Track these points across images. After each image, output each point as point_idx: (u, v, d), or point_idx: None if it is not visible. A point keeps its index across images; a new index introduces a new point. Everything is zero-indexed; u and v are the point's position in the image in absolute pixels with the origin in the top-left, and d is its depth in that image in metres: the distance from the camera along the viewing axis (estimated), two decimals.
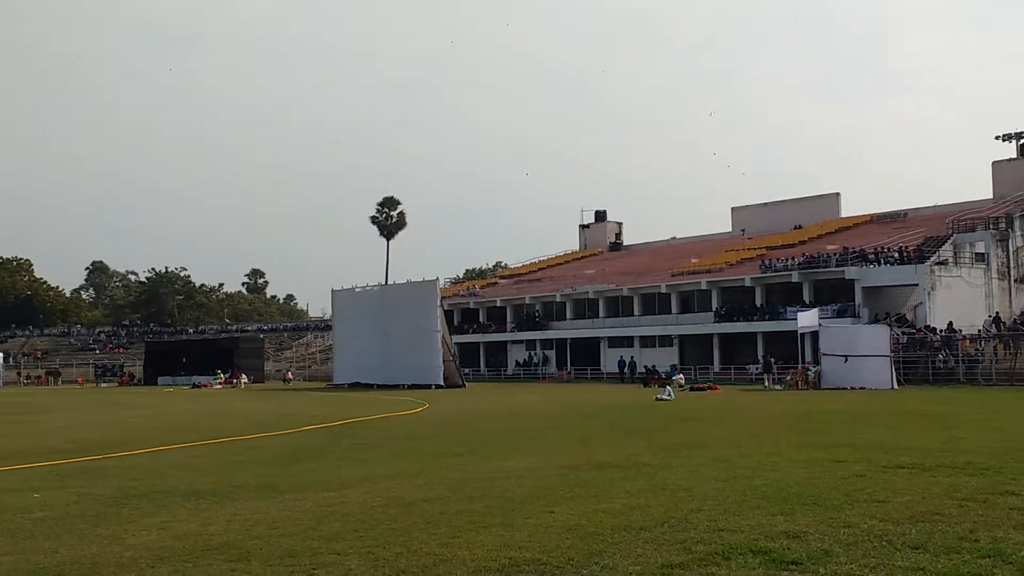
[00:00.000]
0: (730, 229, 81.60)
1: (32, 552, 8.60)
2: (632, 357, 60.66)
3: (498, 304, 75.47)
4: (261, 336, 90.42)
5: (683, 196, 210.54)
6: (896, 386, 38.89)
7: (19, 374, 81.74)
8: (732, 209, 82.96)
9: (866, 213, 73.88)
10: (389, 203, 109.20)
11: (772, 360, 49.30)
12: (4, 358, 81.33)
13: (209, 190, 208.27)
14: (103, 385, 73.63)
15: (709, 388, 43.59)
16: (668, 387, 37.47)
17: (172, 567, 7.79)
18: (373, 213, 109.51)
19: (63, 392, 60.55)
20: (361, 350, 58.64)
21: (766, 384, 45.25)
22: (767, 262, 61.16)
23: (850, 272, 53.03)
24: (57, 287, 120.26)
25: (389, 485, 12.60)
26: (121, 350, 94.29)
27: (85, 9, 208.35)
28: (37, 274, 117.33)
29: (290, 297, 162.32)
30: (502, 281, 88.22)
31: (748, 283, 59.24)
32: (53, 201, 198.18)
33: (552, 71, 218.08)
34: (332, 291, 64.64)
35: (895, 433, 18.45)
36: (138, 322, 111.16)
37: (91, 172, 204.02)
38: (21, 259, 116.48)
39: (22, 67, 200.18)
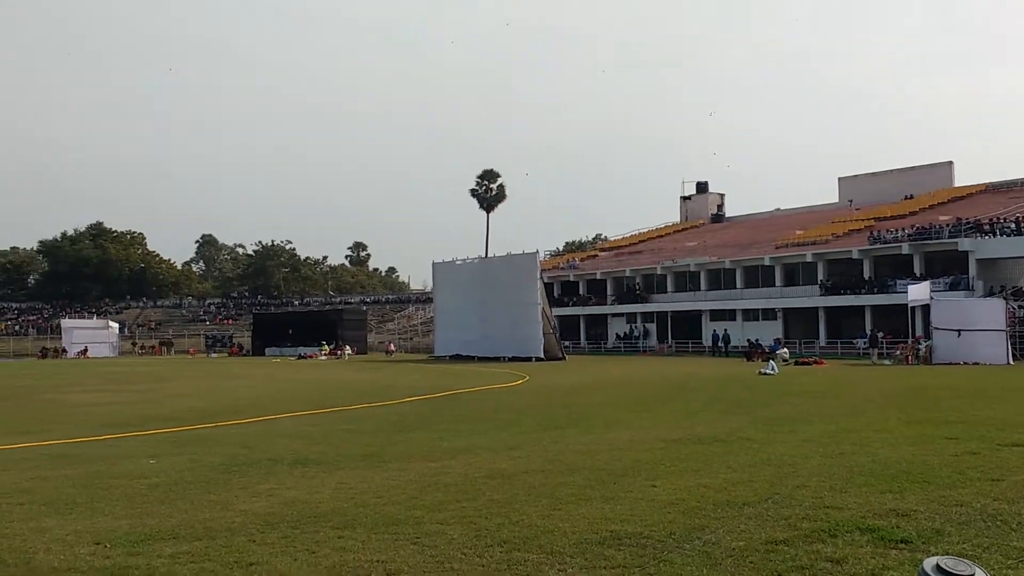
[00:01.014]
0: (837, 200, 79.62)
1: (147, 516, 8.91)
2: (726, 330, 60.04)
3: (598, 277, 75.20)
4: (364, 308, 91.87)
5: (788, 166, 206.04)
6: (1012, 362, 37.56)
7: (134, 344, 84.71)
8: (839, 179, 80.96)
9: (981, 182, 71.12)
10: (489, 176, 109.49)
11: (880, 334, 48.02)
12: (119, 329, 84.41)
13: (313, 165, 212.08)
14: (213, 355, 75.83)
15: (814, 362, 42.75)
16: (772, 361, 36.83)
17: (280, 533, 7.98)
18: (473, 186, 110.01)
19: (175, 362, 62.54)
20: (461, 322, 59.12)
21: (873, 359, 44.16)
22: (876, 233, 59.48)
23: (964, 243, 51.26)
24: (169, 260, 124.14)
25: (490, 457, 12.68)
26: (230, 321, 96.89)
27: None
28: (150, 247, 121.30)
29: (392, 270, 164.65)
30: (602, 254, 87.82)
31: (856, 255, 57.76)
32: (165, 177, 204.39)
33: (651, 36, 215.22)
34: (433, 263, 65.25)
35: (1011, 410, 17.78)
36: (246, 294, 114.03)
37: (201, 149, 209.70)
38: (135, 233, 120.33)
39: (142, 42, 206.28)
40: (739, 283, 64.40)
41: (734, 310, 62.89)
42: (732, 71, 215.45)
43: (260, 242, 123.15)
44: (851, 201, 76.39)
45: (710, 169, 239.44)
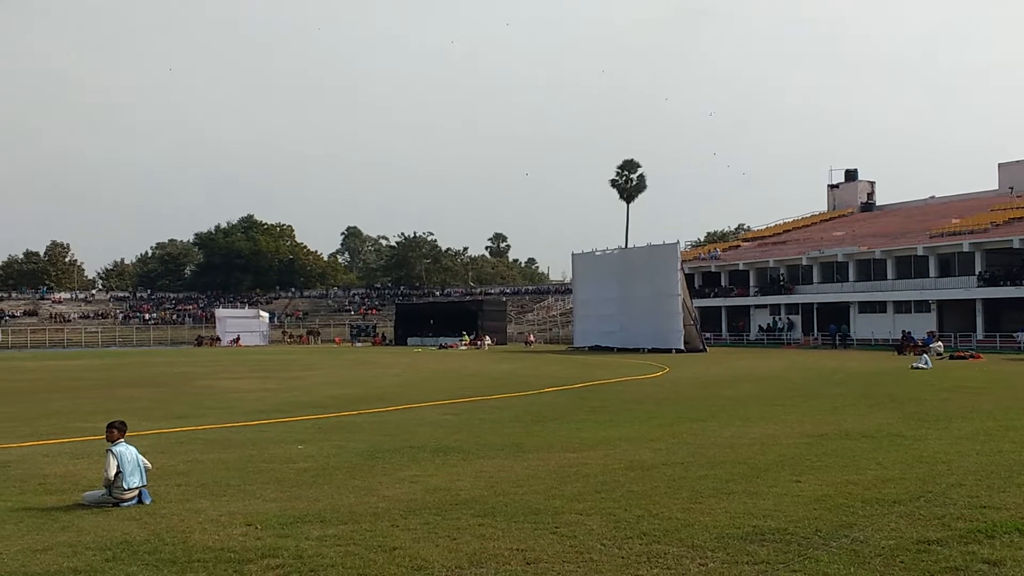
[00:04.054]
0: (996, 187, 75.99)
1: (296, 500, 9.23)
2: (843, 325, 58.53)
3: (741, 268, 73.83)
4: (504, 299, 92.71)
5: (942, 153, 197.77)
6: None
7: (283, 333, 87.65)
8: (999, 165, 77.21)
9: None
10: (629, 166, 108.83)
11: None
12: (269, 318, 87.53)
13: (452, 157, 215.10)
14: (358, 344, 77.76)
15: (971, 357, 40.92)
16: (925, 355, 35.46)
17: (422, 519, 8.14)
18: (613, 176, 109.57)
19: (322, 351, 64.45)
20: (601, 313, 58.99)
21: None
22: None
23: None
24: (316, 251, 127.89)
25: (630, 448, 12.63)
26: (374, 311, 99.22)
27: None
28: (298, 239, 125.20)
29: (531, 260, 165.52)
30: (745, 244, 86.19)
31: (1017, 244, 54.94)
32: (312, 171, 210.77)
33: (804, 15, 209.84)
34: (572, 254, 65.27)
35: None
36: (389, 285, 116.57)
37: (345, 143, 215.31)
38: (284, 225, 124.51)
39: (295, 36, 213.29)
40: (890, 274, 62.15)
41: (884, 302, 60.77)
42: (878, 57, 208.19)
43: (403, 234, 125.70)
44: (1011, 188, 72.78)
45: (860, 156, 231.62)
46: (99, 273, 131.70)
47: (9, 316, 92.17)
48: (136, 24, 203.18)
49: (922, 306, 58.40)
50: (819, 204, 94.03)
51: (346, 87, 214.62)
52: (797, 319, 66.93)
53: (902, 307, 59.77)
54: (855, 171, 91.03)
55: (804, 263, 68.39)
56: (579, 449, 12.59)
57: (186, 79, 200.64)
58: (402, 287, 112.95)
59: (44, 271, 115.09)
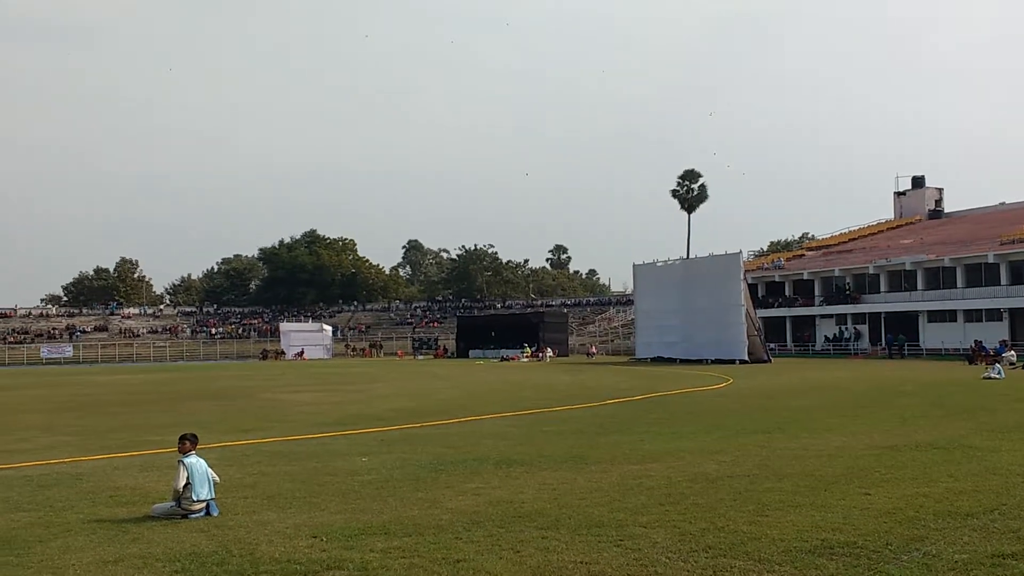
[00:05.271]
0: None
1: (360, 512, 9.29)
2: (900, 335, 57.95)
3: (805, 277, 72.91)
4: (565, 311, 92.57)
5: (1013, 158, 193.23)
6: None
7: (346, 346, 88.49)
8: None
9: None
10: (690, 176, 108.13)
11: None
12: (332, 331, 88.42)
13: (513, 169, 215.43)
14: (420, 357, 78.18)
15: None
16: (997, 364, 34.64)
17: (486, 531, 8.14)
18: (674, 186, 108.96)
19: (384, 363, 64.91)
20: (663, 324, 58.62)
21: None
22: None
23: None
24: (378, 265, 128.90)
25: (693, 460, 12.52)
26: (435, 324, 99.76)
27: None
28: (360, 253, 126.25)
29: (592, 272, 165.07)
30: (809, 253, 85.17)
31: None
32: (374, 185, 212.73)
33: (869, 19, 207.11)
34: (634, 265, 64.97)
35: None
36: (450, 297, 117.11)
37: (404, 158, 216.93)
38: (346, 239, 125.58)
39: (361, 52, 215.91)
40: (960, 282, 60.92)
41: (954, 311, 59.56)
42: (945, 62, 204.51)
43: (463, 246, 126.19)
44: None
45: (925, 164, 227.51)
46: (167, 289, 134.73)
47: (80, 331, 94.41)
48: (197, 49, 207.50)
49: (993, 314, 57.15)
50: (885, 212, 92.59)
51: (401, 101, 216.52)
52: (864, 329, 65.88)
53: (972, 316, 58.55)
54: (922, 178, 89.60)
55: (871, 272, 67.34)
56: (642, 461, 12.50)
57: (248, 100, 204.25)
58: (463, 300, 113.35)
59: (114, 287, 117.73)
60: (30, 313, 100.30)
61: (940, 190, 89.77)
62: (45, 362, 79.03)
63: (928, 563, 6.63)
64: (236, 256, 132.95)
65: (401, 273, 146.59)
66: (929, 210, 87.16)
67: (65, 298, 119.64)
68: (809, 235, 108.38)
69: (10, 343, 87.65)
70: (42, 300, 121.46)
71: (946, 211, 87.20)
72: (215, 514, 9.24)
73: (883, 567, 6.57)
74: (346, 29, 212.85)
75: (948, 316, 59.99)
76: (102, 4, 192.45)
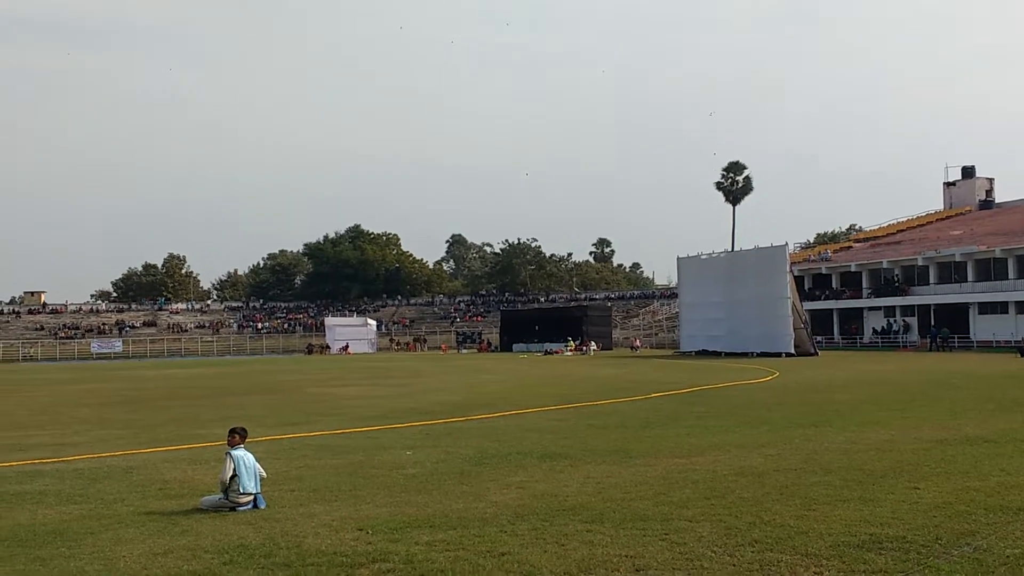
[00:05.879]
0: None
1: (406, 505, 9.34)
2: (944, 327, 57.64)
3: (853, 269, 72.09)
4: (608, 304, 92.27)
5: None
6: None
7: (391, 340, 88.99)
8: None
9: None
10: (735, 168, 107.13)
11: None
12: (377, 326, 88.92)
13: (557, 163, 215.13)
14: (464, 351, 78.43)
15: None
16: None
17: (530, 525, 8.14)
18: (718, 179, 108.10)
19: (429, 357, 65.17)
20: (708, 317, 58.28)
21: None
22: None
23: None
24: (422, 259, 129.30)
25: (739, 454, 12.44)
26: (479, 318, 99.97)
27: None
28: (404, 248, 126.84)
29: (636, 265, 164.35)
30: (856, 245, 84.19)
31: None
32: (418, 180, 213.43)
33: (922, 6, 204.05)
34: (678, 258, 64.66)
35: None
36: (494, 291, 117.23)
37: (449, 153, 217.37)
38: (390, 234, 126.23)
39: (412, 47, 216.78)
40: (1011, 273, 59.89)
41: (1006, 302, 58.58)
42: (996, 49, 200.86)
43: (507, 240, 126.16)
44: None
45: (976, 154, 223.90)
46: (214, 284, 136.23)
47: (129, 327, 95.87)
48: (243, 47, 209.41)
49: None
50: (934, 203, 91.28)
51: (446, 95, 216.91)
52: (913, 321, 65.00)
53: None
54: (972, 168, 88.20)
55: (920, 263, 66.43)
56: (687, 455, 12.44)
57: (294, 96, 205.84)
58: (507, 294, 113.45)
59: (162, 283, 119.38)
60: (80, 309, 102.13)
61: (991, 180, 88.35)
62: (95, 357, 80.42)
63: (979, 558, 6.54)
64: (281, 251, 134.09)
65: (445, 267, 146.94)
66: (979, 200, 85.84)
67: (115, 294, 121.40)
68: (856, 227, 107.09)
69: (61, 338, 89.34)
70: (92, 296, 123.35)
71: (997, 201, 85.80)
72: (262, 507, 9.34)
73: (933, 562, 6.48)
74: (389, 23, 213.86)
75: (999, 308, 59.03)
76: (153, 2, 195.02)
